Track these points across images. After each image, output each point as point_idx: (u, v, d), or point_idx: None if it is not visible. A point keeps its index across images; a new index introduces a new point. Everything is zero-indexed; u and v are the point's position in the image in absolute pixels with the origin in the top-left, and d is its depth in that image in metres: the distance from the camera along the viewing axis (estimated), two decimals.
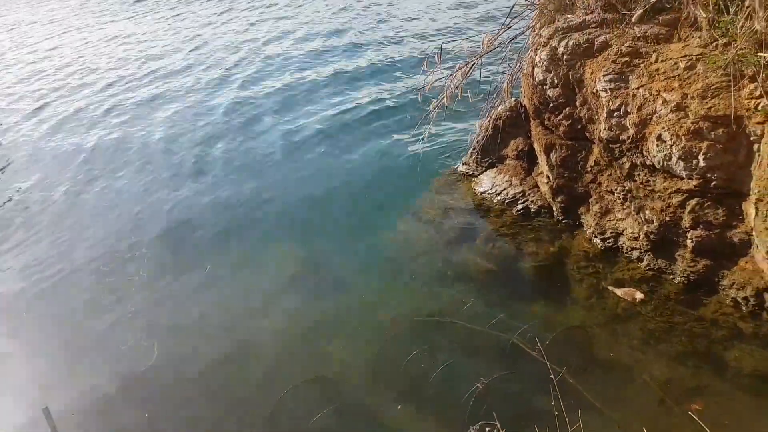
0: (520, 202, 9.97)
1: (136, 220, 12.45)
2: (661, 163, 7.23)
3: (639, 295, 7.64)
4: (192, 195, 13.15)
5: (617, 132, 7.69)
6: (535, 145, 9.79)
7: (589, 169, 8.62)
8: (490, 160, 10.92)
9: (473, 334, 8.15)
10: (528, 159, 10.23)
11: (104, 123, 17.91)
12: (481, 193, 10.74)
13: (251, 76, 20.13)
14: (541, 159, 9.45)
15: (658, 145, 7.19)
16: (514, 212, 9.97)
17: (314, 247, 10.73)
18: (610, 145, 7.87)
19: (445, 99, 10.43)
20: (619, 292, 7.82)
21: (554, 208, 9.46)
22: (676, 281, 7.70)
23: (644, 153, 7.46)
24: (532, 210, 9.78)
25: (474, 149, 11.20)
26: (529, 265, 9.14)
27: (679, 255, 7.57)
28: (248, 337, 8.80)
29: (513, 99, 10.53)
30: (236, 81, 19.80)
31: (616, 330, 7.88)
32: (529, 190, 9.96)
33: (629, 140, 7.58)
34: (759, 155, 6.50)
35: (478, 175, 11.18)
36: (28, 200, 14.05)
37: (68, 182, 14.50)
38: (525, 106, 9.99)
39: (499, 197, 10.33)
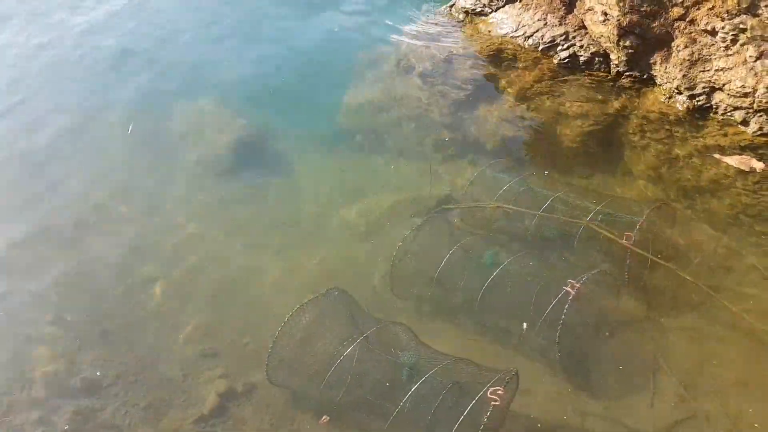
0: (562, 47, 7.72)
1: None
2: None
3: (758, 165, 6.03)
4: None
5: None
6: None
7: (680, 0, 6.51)
8: None
9: (519, 219, 6.28)
10: None
11: None
12: (502, 36, 8.35)
13: None
14: None
15: None
16: (556, 62, 7.74)
17: None
18: None
19: None
20: (731, 160, 6.15)
21: (614, 57, 7.34)
22: None
23: None
24: (582, 58, 7.59)
25: None
26: (578, 131, 7.20)
27: None
28: None
29: None
30: None
31: (704, 206, 6.37)
32: (574, 31, 7.71)
33: None
34: None
35: (492, 12, 8.69)
36: None
37: None
38: None
39: (529, 41, 8.00)
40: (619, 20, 6.96)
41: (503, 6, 8.56)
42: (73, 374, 5.24)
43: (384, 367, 5.05)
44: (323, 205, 6.91)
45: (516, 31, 8.20)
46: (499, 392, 4.09)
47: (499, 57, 8.19)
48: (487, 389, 4.10)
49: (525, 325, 5.34)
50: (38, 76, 8.62)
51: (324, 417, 4.86)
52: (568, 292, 4.99)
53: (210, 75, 8.70)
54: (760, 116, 6.21)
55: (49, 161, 7.28)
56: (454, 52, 8.56)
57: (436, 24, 9.22)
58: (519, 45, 8.13)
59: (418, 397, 4.60)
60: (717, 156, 6.31)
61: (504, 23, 8.40)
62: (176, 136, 7.70)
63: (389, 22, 9.42)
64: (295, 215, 6.81)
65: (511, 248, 5.98)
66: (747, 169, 6.07)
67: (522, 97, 7.66)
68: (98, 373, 5.24)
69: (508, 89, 7.81)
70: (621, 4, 6.87)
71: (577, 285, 5.01)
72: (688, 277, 5.43)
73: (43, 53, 9.01)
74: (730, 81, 6.32)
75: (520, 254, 5.69)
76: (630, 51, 7.11)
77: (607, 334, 5.45)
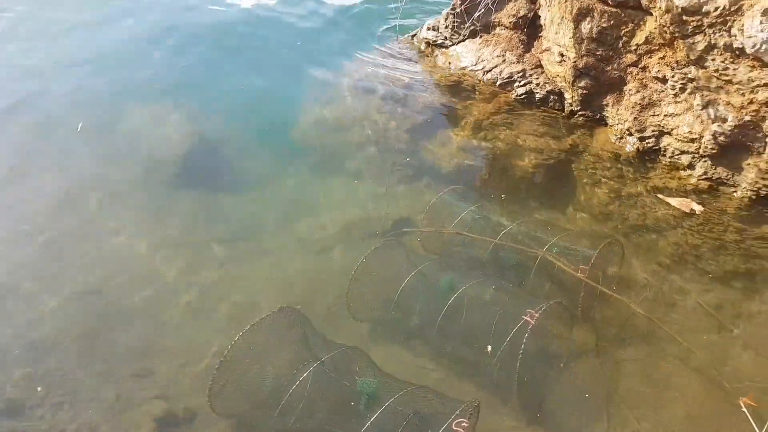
0: (519, 83, 7.96)
1: None
2: (757, 46, 5.69)
3: (697, 207, 6.33)
4: None
5: (702, 0, 5.94)
6: (546, 12, 7.70)
7: (633, 47, 6.83)
8: (472, 27, 8.61)
9: (475, 247, 6.30)
10: (530, 29, 8.15)
11: None
12: (461, 69, 8.51)
13: None
14: (557, 30, 7.42)
15: (761, 23, 5.61)
16: (513, 97, 7.96)
17: None
18: (685, 17, 6.10)
19: None
20: (673, 201, 6.43)
21: (569, 96, 7.63)
22: (738, 194, 6.51)
23: (733, 32, 5.85)
24: (537, 95, 7.85)
25: (453, 10, 8.74)
26: (532, 164, 7.38)
27: (749, 164, 6.32)
28: None
29: None
30: None
31: (650, 244, 6.61)
32: (531, 69, 7.97)
33: (717, 12, 5.87)
34: None
35: (452, 45, 8.86)
36: None
37: None
38: None
39: (488, 75, 8.20)
40: (575, 62, 7.25)
41: (463, 40, 8.75)
42: None
43: (340, 394, 4.82)
44: (275, 220, 6.68)
45: (475, 65, 8.38)
46: (464, 425, 3.96)
47: (458, 87, 8.33)
48: (452, 421, 3.96)
49: (489, 347, 5.26)
50: None
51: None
52: (527, 322, 4.97)
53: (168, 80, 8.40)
54: (705, 161, 6.57)
55: None
56: (415, 79, 8.64)
57: (398, 52, 9.31)
58: (478, 78, 8.30)
59: (377, 427, 4.40)
60: (661, 196, 6.58)
61: (464, 56, 8.58)
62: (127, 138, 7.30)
63: (352, 44, 9.44)
64: (245, 229, 6.54)
65: (468, 275, 5.95)
66: (688, 211, 6.36)
67: (479, 127, 7.79)
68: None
69: (466, 119, 7.92)
70: (577, 47, 7.16)
71: (536, 314, 5.01)
72: (638, 310, 5.56)
73: None
74: (678, 126, 6.67)
75: (477, 281, 5.66)
76: (584, 92, 7.40)
77: (562, 365, 5.48)
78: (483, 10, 8.12)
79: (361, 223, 6.70)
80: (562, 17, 7.26)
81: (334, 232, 6.57)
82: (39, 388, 4.78)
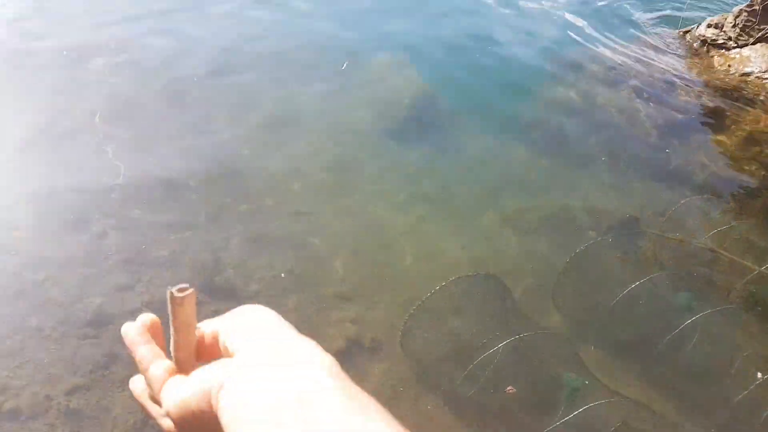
0: None
1: None
2: None
3: None
4: None
5: None
6: None
7: None
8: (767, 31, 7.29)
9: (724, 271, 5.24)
10: None
11: None
12: (743, 74, 7.27)
13: None
14: None
15: None
16: None
17: None
18: None
19: None
20: None
21: None
22: None
23: None
24: None
25: (749, 7, 7.47)
26: None
27: None
28: None
29: None
30: None
31: None
32: None
33: None
34: None
35: (737, 47, 7.61)
36: None
37: None
38: None
39: None
40: None
41: (753, 43, 7.46)
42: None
43: (531, 376, 4.32)
44: (484, 191, 6.24)
45: (765, 72, 7.08)
46: None
47: (735, 94, 7.10)
48: None
49: (760, 375, 4.24)
50: None
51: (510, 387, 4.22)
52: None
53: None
54: None
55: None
56: (680, 76, 7.58)
57: (664, 45, 8.28)
58: (764, 87, 7.01)
59: (572, 424, 3.83)
60: None
61: (751, 61, 7.30)
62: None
63: (606, 28, 8.62)
64: (454, 191, 6.22)
65: (709, 300, 4.99)
66: None
67: (753, 140, 6.55)
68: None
69: (738, 128, 6.72)
70: None
71: None
72: None
73: None
74: None
75: (725, 307, 4.70)
76: None
77: None
78: None
79: (584, 212, 6.01)
80: None
81: (548, 214, 5.96)
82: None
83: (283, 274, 5.00)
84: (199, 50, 7.34)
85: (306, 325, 4.64)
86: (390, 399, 4.23)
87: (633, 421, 3.87)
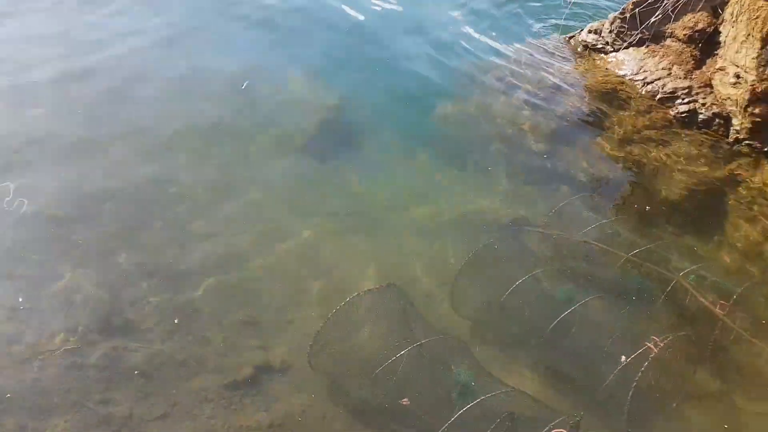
0: (682, 101, 7.31)
1: None
2: None
3: None
4: None
5: None
6: (729, 28, 6.99)
7: None
8: (640, 35, 8.03)
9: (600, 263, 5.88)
10: (706, 45, 7.45)
11: None
12: (619, 77, 7.99)
13: None
14: (739, 49, 6.71)
15: None
16: (672, 114, 7.35)
17: None
18: None
19: None
20: None
21: (737, 122, 6.88)
22: None
23: None
24: (701, 116, 7.17)
25: (622, 15, 8.20)
26: (680, 186, 6.77)
27: None
28: None
29: None
30: None
31: None
32: (699, 88, 7.29)
33: None
34: None
35: (613, 51, 8.34)
36: None
37: None
38: None
39: (648, 87, 7.62)
40: (753, 86, 6.51)
41: (627, 48, 8.20)
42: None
43: (433, 379, 4.75)
44: (392, 199, 6.65)
45: (636, 74, 7.82)
46: None
47: (612, 96, 7.82)
48: (550, 428, 3.74)
49: (623, 357, 4.80)
50: None
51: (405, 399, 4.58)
52: (650, 349, 4.57)
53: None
54: None
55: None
56: (566, 81, 8.25)
57: (548, 51, 8.94)
58: (635, 89, 7.75)
59: (466, 419, 4.27)
60: None
61: (624, 64, 8.04)
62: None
63: (499, 38, 9.22)
64: (363, 203, 6.59)
65: (587, 290, 5.58)
66: None
67: (628, 140, 7.26)
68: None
69: (615, 129, 7.42)
70: (759, 70, 6.42)
71: (661, 344, 4.59)
72: None
73: None
74: None
75: (598, 296, 5.29)
76: (757, 119, 6.63)
77: (675, 405, 4.99)
78: (660, 16, 7.51)
79: (478, 216, 6.50)
80: (748, 35, 6.55)
81: (448, 220, 6.42)
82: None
83: (182, 306, 5.26)
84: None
85: (213, 356, 4.91)
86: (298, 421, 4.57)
87: (518, 408, 4.34)
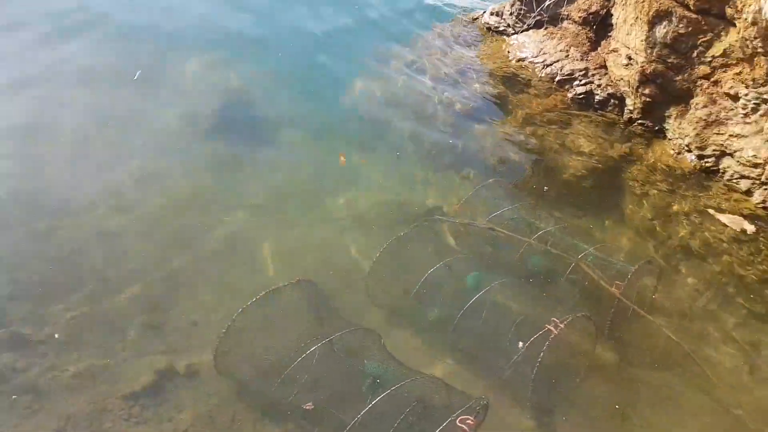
0: (579, 82, 7.58)
1: None
2: None
3: (749, 227, 5.94)
4: None
5: None
6: (620, 10, 7.28)
7: (708, 59, 6.39)
8: (539, 18, 8.23)
9: (507, 248, 6.04)
10: (599, 27, 7.74)
11: None
12: (520, 60, 8.17)
13: None
14: (629, 31, 7.01)
15: None
16: (570, 96, 7.61)
17: None
18: None
19: None
20: (724, 218, 6.05)
21: (630, 102, 7.23)
22: None
23: None
24: (597, 97, 7.47)
25: None
26: (578, 168, 7.05)
27: None
28: None
29: None
30: None
31: (691, 269, 6.22)
32: (594, 69, 7.59)
33: None
34: None
35: (515, 33, 8.51)
36: None
37: None
38: None
39: (547, 70, 7.84)
40: (642, 66, 6.84)
41: (527, 30, 8.39)
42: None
43: (345, 373, 4.71)
44: (305, 188, 6.52)
45: (536, 57, 8.03)
46: (469, 422, 3.80)
47: (514, 79, 8.00)
48: (456, 416, 3.80)
49: (521, 344, 5.00)
50: None
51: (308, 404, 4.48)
52: (549, 331, 4.75)
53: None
54: (766, 189, 6.15)
55: None
56: (469, 65, 8.34)
57: (454, 34, 9.00)
58: (535, 72, 7.95)
59: (378, 411, 4.27)
60: (712, 211, 6.20)
61: (525, 47, 8.22)
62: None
63: (408, 23, 9.18)
64: (276, 193, 6.41)
65: (495, 274, 5.73)
66: (739, 230, 5.97)
67: (529, 122, 7.47)
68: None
69: (517, 112, 7.61)
70: (648, 51, 6.74)
71: (561, 325, 4.77)
72: (672, 336, 5.25)
73: None
74: (742, 149, 6.24)
75: (502, 281, 5.43)
76: (647, 99, 6.99)
77: (578, 380, 5.24)
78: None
79: (393, 205, 6.51)
80: (637, 17, 6.85)
81: (363, 211, 6.39)
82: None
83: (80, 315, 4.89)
84: None
85: (113, 365, 4.61)
86: (206, 425, 4.40)
87: (430, 394, 4.39)
